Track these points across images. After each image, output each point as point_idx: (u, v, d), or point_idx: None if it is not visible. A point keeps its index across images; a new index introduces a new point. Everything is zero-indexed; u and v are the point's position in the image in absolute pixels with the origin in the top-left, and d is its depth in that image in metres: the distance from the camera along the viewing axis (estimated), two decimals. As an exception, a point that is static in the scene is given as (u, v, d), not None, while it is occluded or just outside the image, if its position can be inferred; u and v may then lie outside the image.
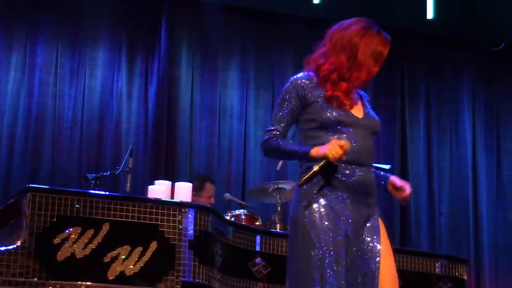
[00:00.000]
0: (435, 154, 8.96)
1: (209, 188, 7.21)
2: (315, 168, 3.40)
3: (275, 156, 3.67)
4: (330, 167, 3.45)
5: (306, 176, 3.42)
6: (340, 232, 3.48)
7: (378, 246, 3.54)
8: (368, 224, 3.58)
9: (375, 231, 3.57)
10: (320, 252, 3.42)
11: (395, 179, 3.76)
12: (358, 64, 3.57)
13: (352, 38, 3.58)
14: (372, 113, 3.70)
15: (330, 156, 3.37)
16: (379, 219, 3.64)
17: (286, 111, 3.60)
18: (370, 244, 3.55)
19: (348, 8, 8.32)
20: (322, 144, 3.49)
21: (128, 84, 8.27)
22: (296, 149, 3.54)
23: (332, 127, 3.55)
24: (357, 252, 3.52)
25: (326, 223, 3.46)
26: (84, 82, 8.12)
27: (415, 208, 8.73)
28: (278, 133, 3.59)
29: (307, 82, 3.61)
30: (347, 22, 3.66)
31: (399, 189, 3.73)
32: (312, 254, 3.43)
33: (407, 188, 3.72)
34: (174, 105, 8.35)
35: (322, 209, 3.49)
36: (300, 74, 3.65)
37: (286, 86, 3.65)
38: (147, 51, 8.42)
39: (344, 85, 3.58)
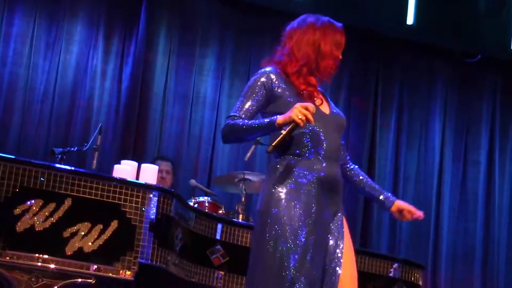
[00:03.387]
0: (403, 159, 9.01)
1: (158, 163, 7.01)
2: (283, 132, 3.38)
3: (235, 136, 3.60)
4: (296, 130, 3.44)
5: (275, 142, 3.39)
6: (306, 227, 3.51)
7: (341, 245, 3.59)
8: (333, 222, 3.63)
9: (339, 230, 3.62)
10: (286, 246, 3.45)
11: (403, 204, 3.89)
12: (323, 54, 3.66)
13: (312, 33, 3.69)
14: (336, 109, 3.78)
15: (297, 119, 3.36)
16: (343, 218, 3.69)
17: (251, 99, 3.62)
18: (333, 242, 3.59)
19: (329, 7, 8.34)
20: (293, 138, 3.56)
21: (103, 62, 8.22)
22: (259, 122, 3.52)
23: None
24: (322, 248, 3.56)
25: (293, 218, 3.50)
26: (59, 56, 8.06)
27: (378, 211, 8.76)
28: (238, 116, 3.59)
29: (275, 75, 3.66)
30: (300, 20, 3.79)
31: (405, 212, 3.87)
32: (279, 248, 3.47)
33: (417, 213, 3.88)
34: (148, 88, 8.31)
35: (289, 205, 3.52)
36: (268, 68, 3.70)
37: (253, 77, 3.70)
38: (125, 31, 8.37)
39: (313, 80, 3.67)
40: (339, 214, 3.67)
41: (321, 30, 3.69)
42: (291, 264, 3.44)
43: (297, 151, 3.60)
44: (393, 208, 3.88)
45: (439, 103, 9.20)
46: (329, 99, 3.83)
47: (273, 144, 3.40)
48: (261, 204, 3.61)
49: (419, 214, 3.89)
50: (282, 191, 3.55)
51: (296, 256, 3.45)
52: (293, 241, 3.46)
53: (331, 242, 3.59)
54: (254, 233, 3.67)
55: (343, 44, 3.74)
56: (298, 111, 3.35)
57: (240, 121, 3.55)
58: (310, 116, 3.37)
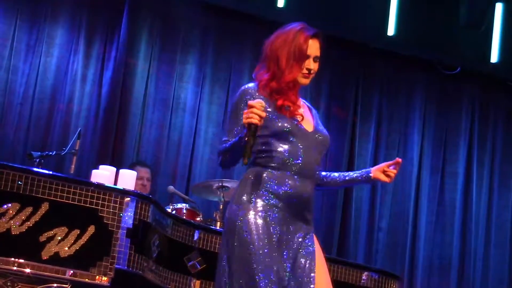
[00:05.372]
0: (381, 170, 8.96)
1: (138, 170, 7.09)
2: (247, 139, 3.36)
3: (230, 158, 3.58)
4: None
5: (244, 154, 3.36)
6: (273, 242, 3.49)
7: (313, 263, 3.55)
8: (302, 241, 3.59)
9: (309, 247, 3.59)
10: (252, 258, 3.43)
11: (380, 166, 3.78)
12: (281, 69, 3.60)
13: (275, 44, 3.63)
14: (321, 127, 3.74)
15: (245, 121, 3.35)
16: (313, 235, 3.66)
17: (235, 121, 3.60)
18: (303, 262, 3.55)
19: (311, 14, 8.33)
20: (271, 151, 3.56)
21: (84, 66, 8.12)
22: (233, 140, 3.52)
23: (282, 137, 3.57)
24: (290, 266, 3.53)
25: (260, 231, 3.47)
26: (39, 59, 7.96)
27: (356, 221, 8.74)
28: (229, 140, 3.58)
29: (255, 90, 3.63)
30: (269, 42, 3.69)
31: (386, 168, 3.75)
32: (247, 256, 3.45)
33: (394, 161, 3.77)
34: (128, 93, 8.24)
35: (257, 218, 3.49)
36: (249, 84, 3.68)
37: (235, 96, 3.68)
38: (106, 35, 8.28)
39: (291, 94, 3.61)
40: (310, 232, 3.63)
41: (284, 41, 3.61)
42: (260, 274, 3.41)
43: (272, 165, 3.57)
44: (374, 174, 3.76)
45: (418, 115, 9.18)
46: (314, 115, 3.79)
47: (244, 155, 3.37)
48: (229, 211, 3.59)
49: (396, 160, 3.77)
50: (250, 203, 3.52)
51: (261, 268, 3.42)
52: (257, 256, 3.43)
53: (301, 260, 3.54)
54: (222, 238, 3.65)
55: (304, 52, 3.60)
56: (244, 116, 3.36)
57: (225, 144, 3.57)
58: (256, 111, 3.33)
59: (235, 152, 3.52)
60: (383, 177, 3.76)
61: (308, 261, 3.54)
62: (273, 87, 3.60)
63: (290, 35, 3.61)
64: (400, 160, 3.76)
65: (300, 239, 3.58)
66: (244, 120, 3.36)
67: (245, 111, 3.38)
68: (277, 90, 3.59)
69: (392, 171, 3.75)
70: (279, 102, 3.58)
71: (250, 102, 3.39)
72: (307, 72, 3.65)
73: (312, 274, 3.52)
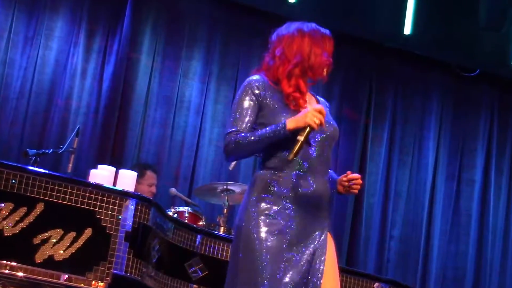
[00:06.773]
0: (394, 175, 8.85)
1: (150, 176, 7.12)
2: (301, 138, 3.35)
3: (242, 151, 3.54)
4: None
5: (295, 150, 3.35)
6: (284, 244, 3.45)
7: (322, 266, 3.48)
8: (315, 240, 3.52)
9: (321, 249, 3.51)
10: (261, 263, 3.39)
11: (341, 179, 3.65)
12: (315, 53, 3.62)
13: (301, 36, 3.65)
14: (329, 119, 3.66)
15: (313, 124, 3.36)
16: (329, 234, 3.57)
17: (245, 112, 3.55)
18: (313, 262, 3.49)
19: (324, 10, 8.22)
20: (274, 148, 3.49)
21: (84, 60, 7.99)
22: (268, 131, 3.44)
23: None
24: (300, 267, 3.47)
25: (270, 235, 3.44)
26: (37, 52, 7.82)
27: (366, 228, 8.63)
28: (240, 130, 3.50)
29: (262, 83, 3.60)
30: (286, 26, 3.78)
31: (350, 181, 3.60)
32: (253, 264, 3.41)
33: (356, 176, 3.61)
34: (130, 89, 8.11)
35: (268, 220, 3.46)
36: (254, 76, 3.64)
37: (241, 88, 3.64)
38: (108, 28, 8.15)
39: (303, 85, 3.60)
40: (325, 231, 3.56)
41: (310, 34, 3.66)
42: (265, 282, 3.38)
43: (282, 165, 3.52)
44: (339, 189, 3.65)
45: (434, 118, 9.07)
46: (326, 107, 3.72)
47: (293, 152, 3.36)
48: (239, 217, 3.55)
49: (354, 175, 3.62)
50: (261, 206, 3.49)
51: (270, 274, 3.39)
52: (267, 261, 3.40)
53: (313, 260, 3.49)
54: (231, 246, 3.63)
55: (332, 48, 3.71)
56: (313, 116, 3.36)
57: (246, 135, 3.50)
58: (323, 120, 3.38)
59: (262, 146, 3.48)
60: (344, 191, 3.65)
61: (319, 264, 3.48)
62: (295, 72, 3.59)
63: (317, 30, 3.69)
64: (351, 174, 3.62)
65: (312, 244, 3.52)
66: (310, 121, 3.35)
67: (311, 110, 3.38)
68: (298, 75, 3.59)
69: (353, 187, 3.61)
70: (290, 90, 3.57)
71: (320, 108, 3.41)
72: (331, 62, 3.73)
73: (318, 282, 3.45)
